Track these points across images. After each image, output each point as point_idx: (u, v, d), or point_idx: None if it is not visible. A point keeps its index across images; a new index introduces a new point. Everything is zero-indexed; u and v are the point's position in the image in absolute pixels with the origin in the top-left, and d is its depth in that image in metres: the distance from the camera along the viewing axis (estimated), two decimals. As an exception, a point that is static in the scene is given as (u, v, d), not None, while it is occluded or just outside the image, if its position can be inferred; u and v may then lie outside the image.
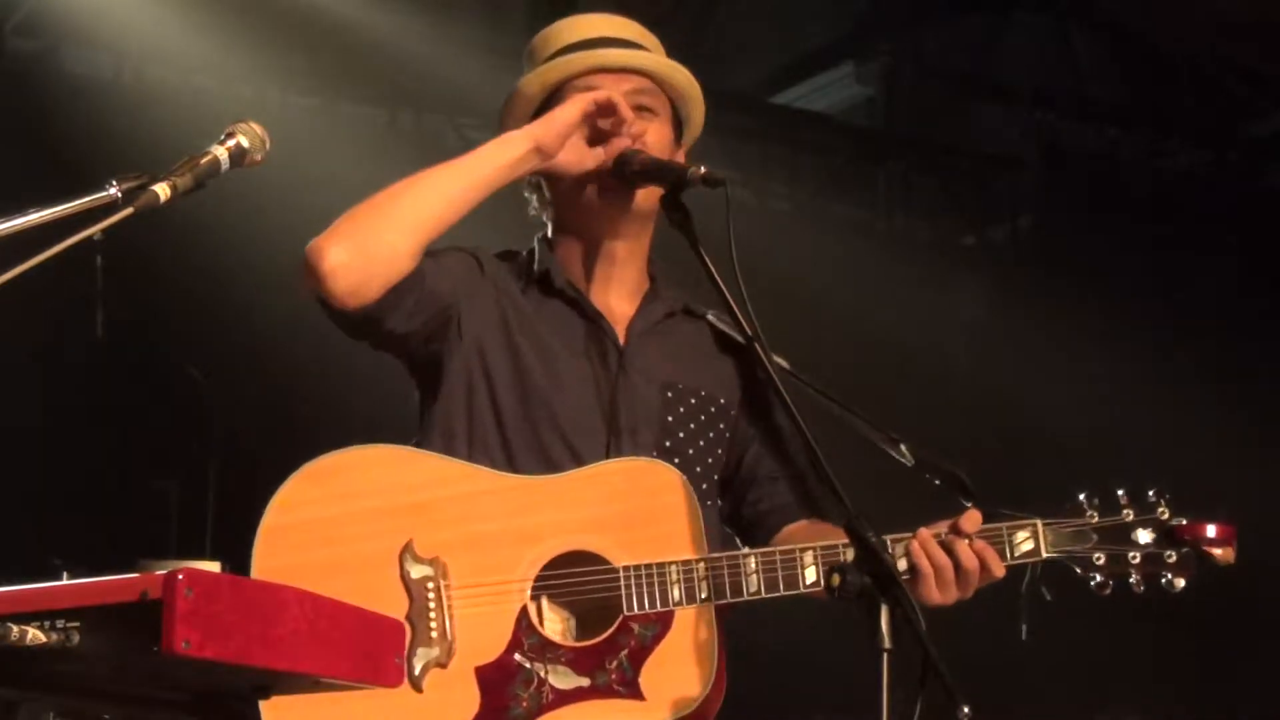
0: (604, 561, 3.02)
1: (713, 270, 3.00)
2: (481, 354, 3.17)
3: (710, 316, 3.35)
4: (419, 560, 2.99)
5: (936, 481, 3.19)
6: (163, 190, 2.63)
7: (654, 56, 3.29)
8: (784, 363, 3.22)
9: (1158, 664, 8.04)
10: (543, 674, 2.97)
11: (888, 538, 2.97)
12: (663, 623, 3.00)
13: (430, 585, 2.98)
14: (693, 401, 3.26)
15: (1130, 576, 3.11)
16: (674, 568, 3.01)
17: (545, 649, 2.98)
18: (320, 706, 2.55)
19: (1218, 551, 3.09)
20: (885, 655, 2.62)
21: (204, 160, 2.71)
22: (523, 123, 3.25)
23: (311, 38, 7.55)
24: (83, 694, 2.56)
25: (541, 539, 3.02)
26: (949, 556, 3.02)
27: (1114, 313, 8.62)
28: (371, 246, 3.00)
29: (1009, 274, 9.36)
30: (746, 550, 3.09)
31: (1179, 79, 8.83)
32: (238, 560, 2.99)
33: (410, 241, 3.04)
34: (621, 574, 3.00)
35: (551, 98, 3.24)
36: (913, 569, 3.02)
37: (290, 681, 2.37)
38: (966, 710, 2.54)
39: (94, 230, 2.58)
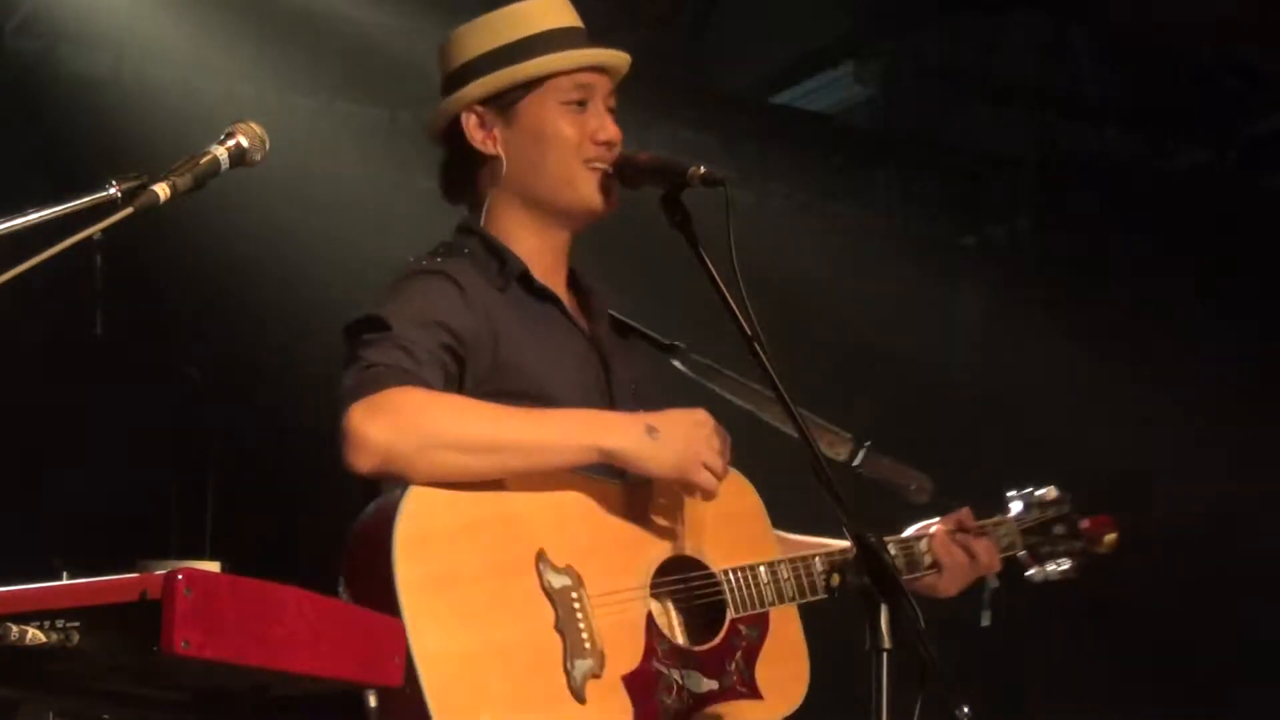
0: (703, 566, 3.05)
1: (712, 271, 3.01)
2: (495, 373, 3.14)
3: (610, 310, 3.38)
4: (556, 569, 2.91)
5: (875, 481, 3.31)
6: (162, 190, 2.64)
7: (627, 57, 3.28)
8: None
9: (1158, 669, 8.02)
10: (679, 679, 2.97)
11: (909, 534, 3.09)
12: (762, 623, 3.06)
13: (574, 595, 2.91)
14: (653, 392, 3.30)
15: (1051, 565, 3.46)
16: (763, 569, 3.07)
17: (676, 654, 2.98)
18: None
19: (1106, 538, 3.51)
20: (885, 655, 2.63)
21: (204, 160, 2.72)
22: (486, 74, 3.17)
23: (311, 38, 7.54)
24: (83, 694, 2.56)
25: (648, 545, 3.03)
26: (965, 552, 3.20)
27: (1114, 313, 8.61)
28: (419, 469, 2.87)
29: (1009, 274, 9.34)
30: (811, 552, 3.15)
31: (1179, 79, 8.82)
32: (238, 560, 2.99)
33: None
34: (723, 577, 3.04)
35: (535, 82, 3.19)
36: (937, 564, 3.18)
37: (290, 681, 2.38)
38: (966, 710, 2.55)
39: (94, 230, 2.59)
